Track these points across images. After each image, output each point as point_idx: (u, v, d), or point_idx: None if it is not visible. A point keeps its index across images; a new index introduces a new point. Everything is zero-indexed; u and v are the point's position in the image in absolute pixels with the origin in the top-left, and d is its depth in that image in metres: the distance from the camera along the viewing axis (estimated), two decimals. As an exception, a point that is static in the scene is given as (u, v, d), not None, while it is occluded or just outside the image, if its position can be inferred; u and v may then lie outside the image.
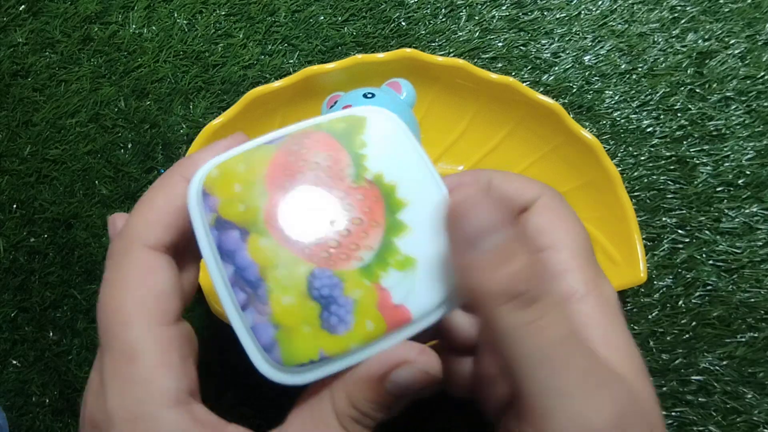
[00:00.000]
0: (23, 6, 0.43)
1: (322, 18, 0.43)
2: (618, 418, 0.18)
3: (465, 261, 0.18)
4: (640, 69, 0.41)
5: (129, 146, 0.41)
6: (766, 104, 0.40)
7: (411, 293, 0.19)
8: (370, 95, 0.35)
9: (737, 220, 0.39)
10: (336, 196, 0.19)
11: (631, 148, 0.40)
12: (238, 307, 0.19)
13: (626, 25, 0.42)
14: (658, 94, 0.41)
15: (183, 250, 0.22)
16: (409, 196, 0.19)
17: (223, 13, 0.43)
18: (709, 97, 0.41)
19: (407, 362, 0.19)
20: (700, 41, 0.41)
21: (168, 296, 0.20)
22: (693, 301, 0.38)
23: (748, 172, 0.39)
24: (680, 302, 0.38)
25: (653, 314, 0.38)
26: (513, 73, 0.42)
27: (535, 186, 0.24)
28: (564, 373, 0.18)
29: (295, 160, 0.19)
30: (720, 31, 0.41)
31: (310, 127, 0.20)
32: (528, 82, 0.41)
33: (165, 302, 0.20)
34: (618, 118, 0.41)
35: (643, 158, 0.40)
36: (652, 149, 0.40)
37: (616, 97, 0.41)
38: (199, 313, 0.39)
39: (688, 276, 0.39)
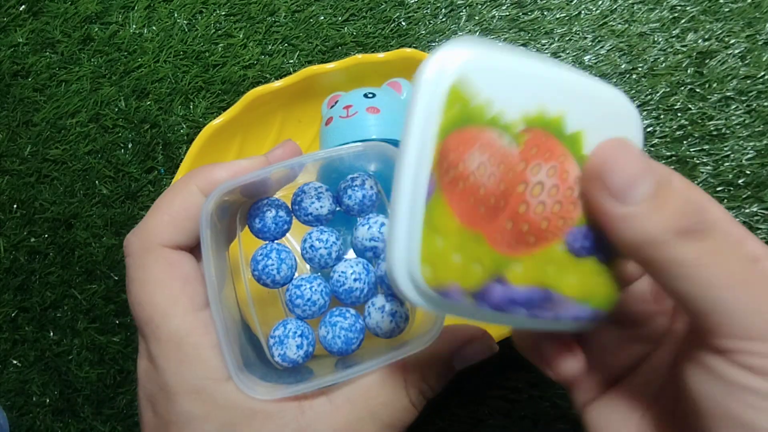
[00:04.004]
0: (23, 6, 0.43)
1: (322, 18, 0.43)
2: None
3: (620, 214, 0.17)
4: (640, 69, 0.41)
5: (129, 146, 0.41)
6: (766, 104, 0.40)
7: None
8: (370, 95, 0.35)
9: (737, 219, 0.39)
10: None
11: (631, 148, 0.40)
12: None
13: (626, 25, 0.42)
14: (658, 94, 0.41)
15: (197, 252, 0.24)
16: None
17: (223, 13, 0.43)
18: (709, 96, 0.41)
19: (475, 339, 0.23)
20: (700, 41, 0.41)
21: (194, 285, 0.22)
22: (693, 300, 0.38)
23: (748, 172, 0.39)
24: (680, 302, 0.38)
25: (653, 314, 0.38)
26: (513, 73, 0.42)
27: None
28: (759, 292, 0.17)
29: None
30: (720, 31, 0.41)
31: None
32: (528, 82, 0.41)
33: (193, 291, 0.22)
34: (618, 118, 0.41)
35: (643, 158, 0.40)
36: (652, 149, 0.40)
37: (616, 97, 0.41)
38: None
39: (688, 276, 0.39)
